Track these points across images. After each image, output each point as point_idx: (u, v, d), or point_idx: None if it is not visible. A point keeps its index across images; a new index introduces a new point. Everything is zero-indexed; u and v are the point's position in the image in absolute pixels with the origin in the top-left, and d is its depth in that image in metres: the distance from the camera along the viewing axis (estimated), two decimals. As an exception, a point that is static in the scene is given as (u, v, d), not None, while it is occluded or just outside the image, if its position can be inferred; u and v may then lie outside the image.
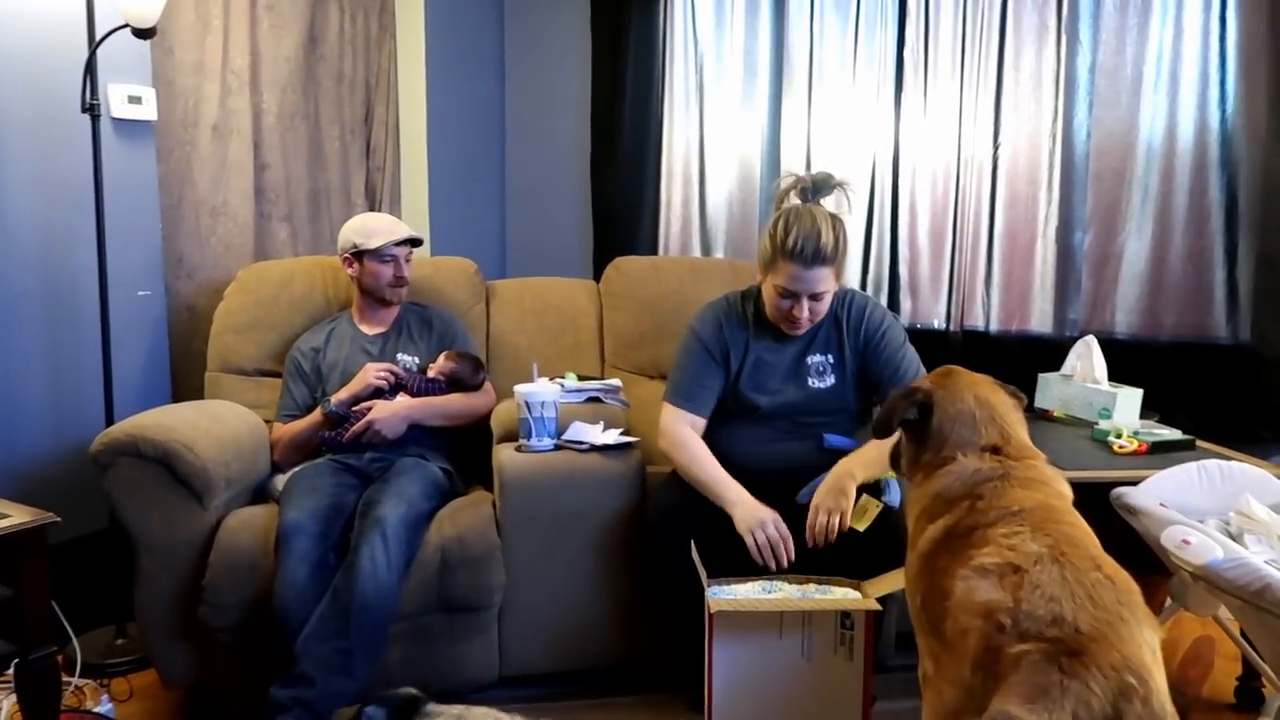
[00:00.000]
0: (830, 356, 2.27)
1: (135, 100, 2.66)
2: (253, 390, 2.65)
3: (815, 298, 2.16)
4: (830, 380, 2.26)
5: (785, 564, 2.04)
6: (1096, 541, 1.51)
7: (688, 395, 2.27)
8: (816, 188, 2.22)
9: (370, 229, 2.55)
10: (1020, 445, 1.71)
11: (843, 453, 2.18)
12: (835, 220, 2.16)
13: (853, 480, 2.09)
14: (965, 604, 1.40)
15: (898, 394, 1.80)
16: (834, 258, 2.13)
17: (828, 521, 2.04)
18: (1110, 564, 1.40)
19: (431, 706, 0.90)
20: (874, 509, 2.08)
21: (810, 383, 2.26)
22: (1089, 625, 1.26)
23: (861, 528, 2.07)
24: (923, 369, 2.26)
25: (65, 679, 2.24)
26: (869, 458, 2.12)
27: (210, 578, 2.09)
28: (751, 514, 2.08)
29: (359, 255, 2.54)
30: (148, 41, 2.52)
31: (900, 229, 3.39)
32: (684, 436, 2.23)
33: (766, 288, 2.22)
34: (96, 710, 2.16)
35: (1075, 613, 1.28)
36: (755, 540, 2.04)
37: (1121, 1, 3.17)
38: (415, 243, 2.62)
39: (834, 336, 2.27)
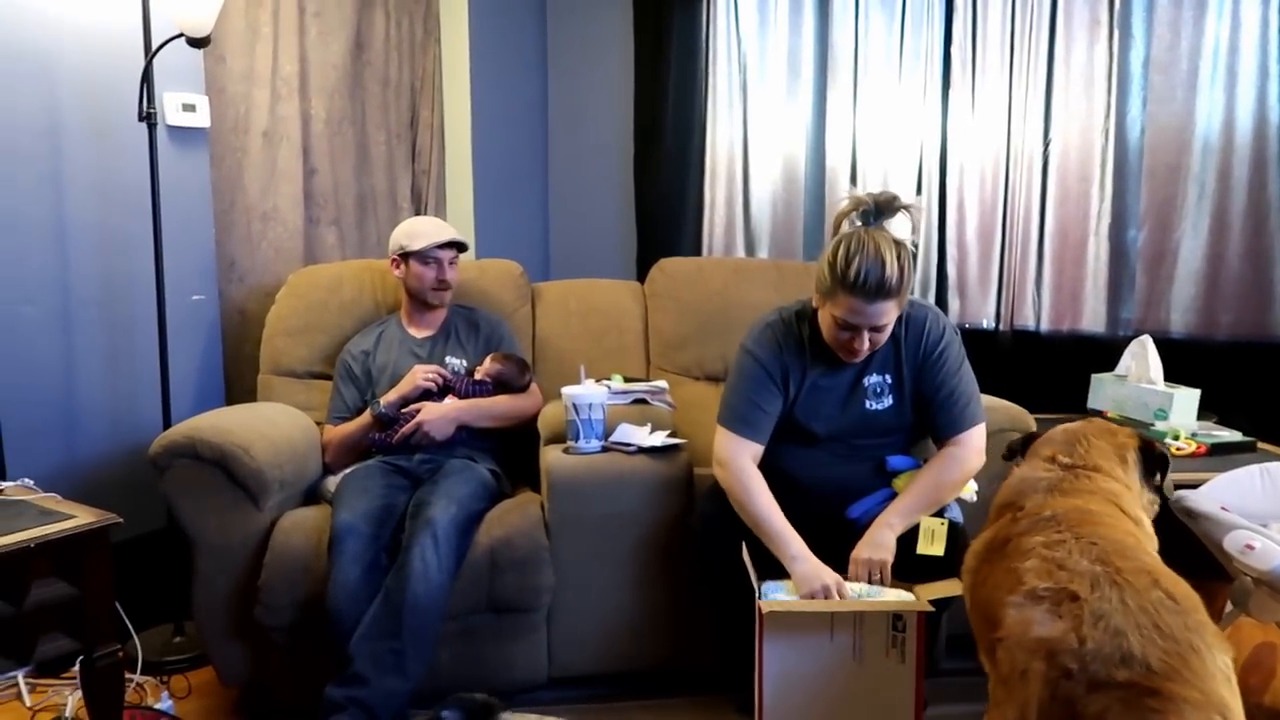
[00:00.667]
0: (888, 376, 2.14)
1: (189, 108, 2.71)
2: (304, 393, 2.69)
3: (877, 330, 2.02)
4: (888, 401, 2.15)
5: None
6: (1142, 542, 1.47)
7: (747, 421, 2.12)
8: (879, 210, 2.03)
9: (416, 231, 2.59)
10: (1087, 457, 1.69)
11: (899, 473, 2.15)
12: (900, 247, 1.98)
13: (891, 531, 2.02)
14: (1021, 640, 1.32)
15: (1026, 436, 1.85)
16: (898, 290, 1.97)
17: (868, 576, 2.00)
18: (1168, 576, 1.35)
19: (506, 715, 0.91)
20: (941, 529, 2.05)
21: (867, 404, 2.15)
22: (1160, 661, 1.20)
23: (940, 552, 2.02)
24: (976, 393, 2.16)
25: (127, 676, 2.30)
26: (908, 505, 2.05)
27: (265, 578, 2.13)
28: (814, 575, 1.97)
29: (405, 257, 2.57)
30: (201, 51, 2.56)
31: (948, 227, 3.35)
32: (745, 471, 2.08)
33: (824, 316, 2.07)
34: (157, 707, 2.20)
35: (1144, 647, 1.21)
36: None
37: (1176, -6, 3.11)
38: (461, 247, 2.63)
39: (892, 355, 2.13)
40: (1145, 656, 1.20)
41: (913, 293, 2.16)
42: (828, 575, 1.97)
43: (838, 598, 1.94)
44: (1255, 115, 3.03)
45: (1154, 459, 1.80)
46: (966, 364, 2.17)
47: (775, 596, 1.95)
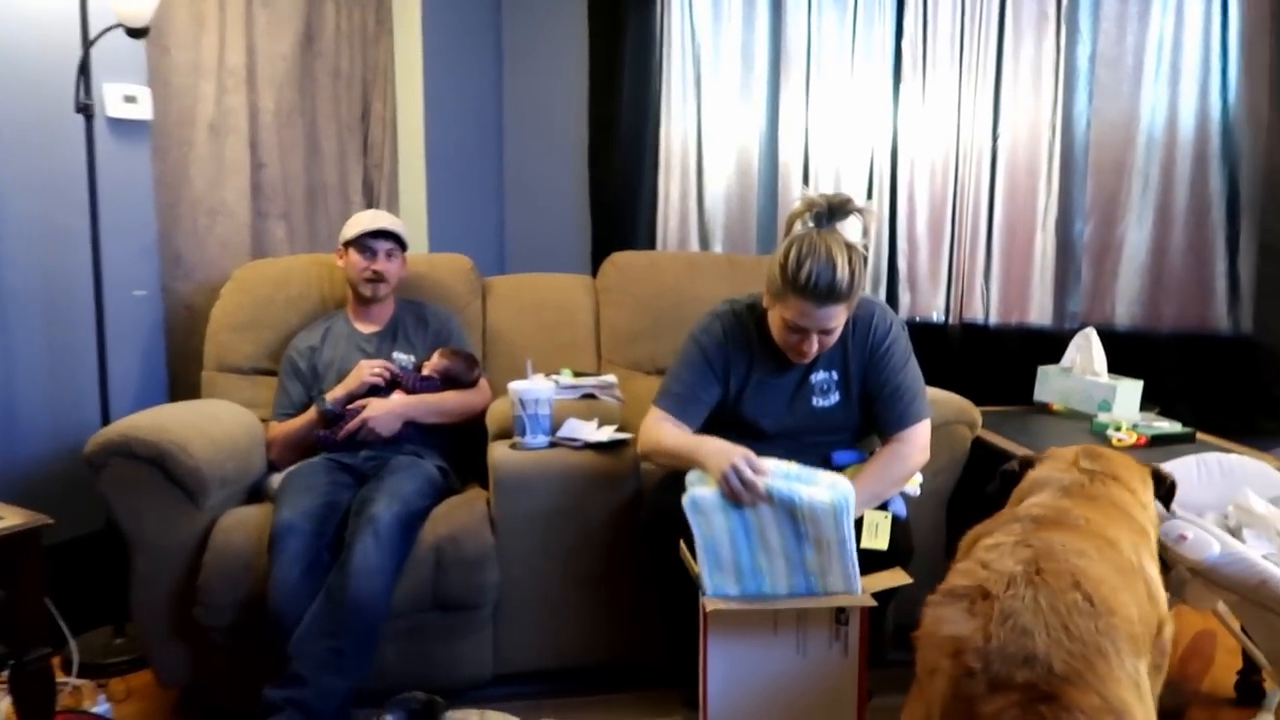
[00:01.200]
0: (834, 373, 2.16)
1: (131, 100, 2.66)
2: (249, 389, 2.65)
3: (826, 333, 2.02)
4: (835, 398, 2.17)
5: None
6: (1091, 550, 1.41)
7: (679, 406, 2.12)
8: (832, 212, 2.01)
9: (354, 220, 2.60)
10: (1109, 466, 1.71)
11: (847, 466, 2.15)
12: (851, 251, 1.97)
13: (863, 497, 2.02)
14: (933, 637, 1.30)
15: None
16: (849, 294, 1.97)
17: None
18: (1092, 578, 1.31)
19: (450, 714, 0.90)
20: (885, 523, 2.05)
21: (815, 402, 2.16)
22: (1063, 663, 1.17)
23: (883, 546, 2.01)
24: (922, 389, 2.18)
25: (63, 679, 2.26)
26: (860, 499, 2.00)
27: (204, 578, 2.09)
28: (722, 456, 1.88)
29: (346, 247, 2.57)
30: (143, 41, 2.51)
31: (899, 221, 3.37)
32: (655, 428, 2.10)
33: (774, 317, 2.07)
34: (93, 710, 2.16)
35: (1049, 648, 1.18)
36: (730, 487, 1.86)
37: (1122, -10, 3.14)
38: (397, 239, 2.60)
39: (839, 352, 2.14)
40: (1049, 658, 1.17)
41: (870, 295, 2.16)
42: (735, 452, 1.88)
43: (748, 471, 1.85)
44: (1198, 111, 3.08)
45: (1163, 484, 1.83)
46: (912, 359, 2.18)
47: (697, 490, 1.88)
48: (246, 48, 3.03)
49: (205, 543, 2.14)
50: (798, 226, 2.04)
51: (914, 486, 2.17)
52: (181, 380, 2.84)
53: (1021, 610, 1.23)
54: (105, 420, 2.42)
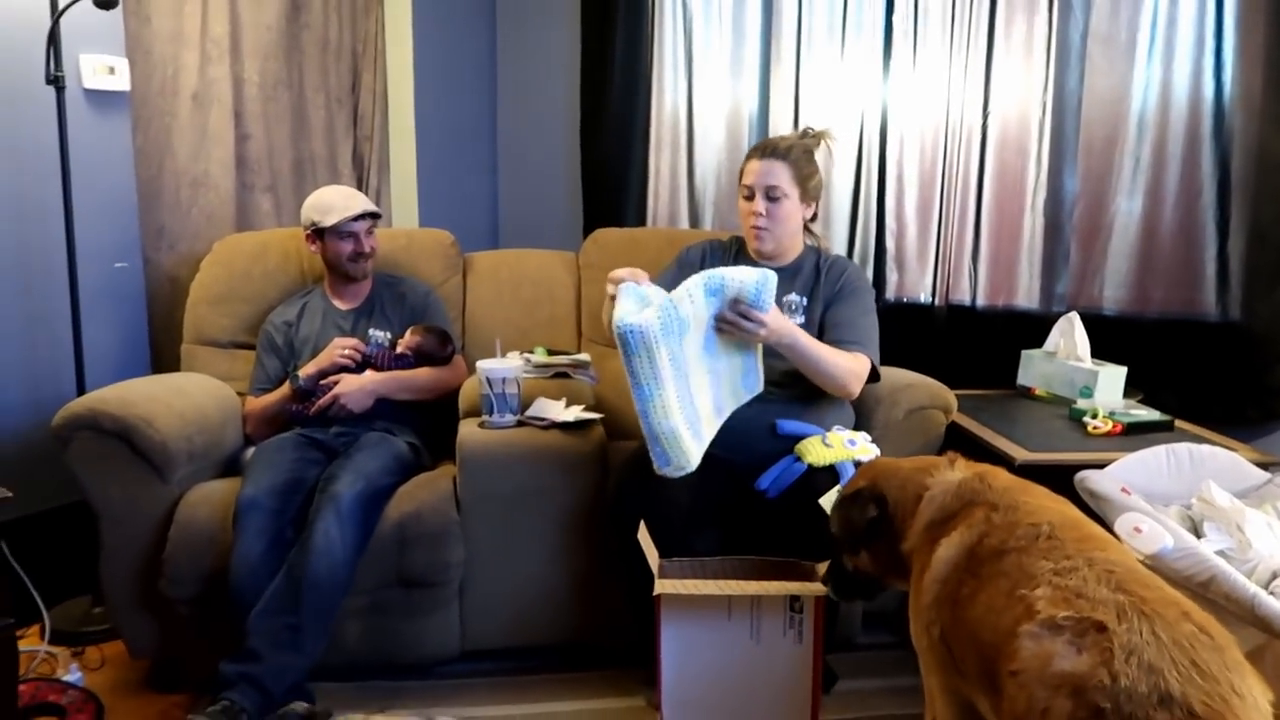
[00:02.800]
0: (804, 298, 2.33)
1: (109, 71, 2.65)
2: (227, 363, 2.67)
3: (772, 198, 2.27)
4: (799, 319, 2.27)
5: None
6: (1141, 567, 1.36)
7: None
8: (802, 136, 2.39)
9: (326, 204, 2.54)
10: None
11: (798, 439, 2.15)
12: (805, 136, 2.36)
13: (793, 328, 2.09)
14: (1041, 675, 1.20)
15: (843, 504, 1.73)
16: (787, 155, 2.27)
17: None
18: (1195, 609, 1.25)
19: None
20: None
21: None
22: (1203, 705, 1.09)
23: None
24: (873, 339, 2.28)
25: (36, 646, 2.30)
26: (806, 339, 2.11)
27: (169, 551, 2.12)
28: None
29: (320, 233, 2.53)
30: (117, 11, 2.50)
31: (888, 200, 3.31)
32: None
33: (739, 207, 2.37)
34: (66, 679, 2.20)
35: (1183, 688, 1.11)
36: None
37: (1116, -35, 3.05)
38: (373, 216, 2.59)
39: (813, 281, 2.34)
40: (1186, 699, 1.10)
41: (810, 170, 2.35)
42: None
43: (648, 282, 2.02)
44: (1190, 90, 3.00)
45: None
46: (873, 316, 2.33)
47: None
48: (230, 18, 3.01)
49: (172, 517, 2.16)
50: None
51: (869, 455, 2.15)
52: (165, 353, 2.85)
53: (1143, 645, 1.15)
54: (80, 393, 2.44)
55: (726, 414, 2.08)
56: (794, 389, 2.23)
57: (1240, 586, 1.61)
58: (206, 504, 2.18)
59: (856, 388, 2.22)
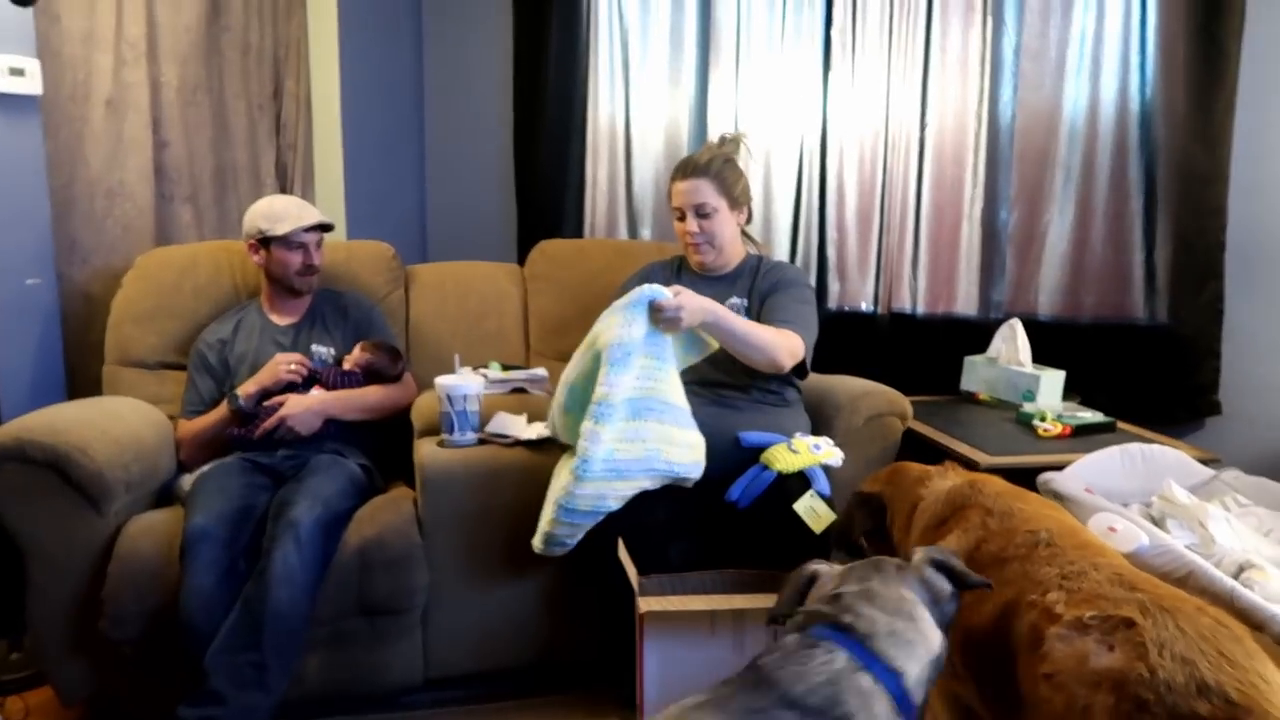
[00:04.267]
0: (745, 302, 2.37)
1: (17, 73, 2.46)
2: (155, 384, 2.51)
3: (703, 215, 2.33)
4: None
5: None
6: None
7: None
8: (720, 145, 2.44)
9: (277, 213, 2.41)
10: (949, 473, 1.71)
11: (760, 450, 2.13)
12: (723, 144, 2.40)
13: (718, 308, 2.06)
14: (1078, 673, 1.21)
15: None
16: (709, 169, 2.31)
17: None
18: (1207, 604, 1.28)
19: None
20: (824, 507, 2.05)
21: None
22: (1238, 692, 1.11)
23: (820, 529, 2.04)
24: (809, 330, 2.28)
25: (-48, 700, 2.10)
26: (729, 317, 2.09)
27: (110, 589, 1.97)
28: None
29: (265, 242, 2.40)
30: (30, 10, 2.33)
31: (828, 210, 3.35)
32: None
33: (675, 228, 2.42)
34: (-13, 731, 2.02)
35: (1217, 676, 1.13)
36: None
37: (1045, -17, 3.17)
38: (326, 228, 2.48)
39: (749, 284, 2.39)
40: (1221, 687, 1.12)
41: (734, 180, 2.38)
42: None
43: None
44: (1117, 103, 3.13)
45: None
46: (809, 307, 2.35)
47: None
48: (147, 18, 2.84)
49: (110, 551, 2.01)
50: None
51: (836, 459, 2.15)
52: (81, 375, 2.66)
53: (1172, 639, 1.17)
54: (-4, 421, 2.25)
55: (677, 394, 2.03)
56: (748, 387, 2.28)
57: (1217, 580, 1.66)
58: (148, 536, 2.03)
59: (788, 361, 2.19)
